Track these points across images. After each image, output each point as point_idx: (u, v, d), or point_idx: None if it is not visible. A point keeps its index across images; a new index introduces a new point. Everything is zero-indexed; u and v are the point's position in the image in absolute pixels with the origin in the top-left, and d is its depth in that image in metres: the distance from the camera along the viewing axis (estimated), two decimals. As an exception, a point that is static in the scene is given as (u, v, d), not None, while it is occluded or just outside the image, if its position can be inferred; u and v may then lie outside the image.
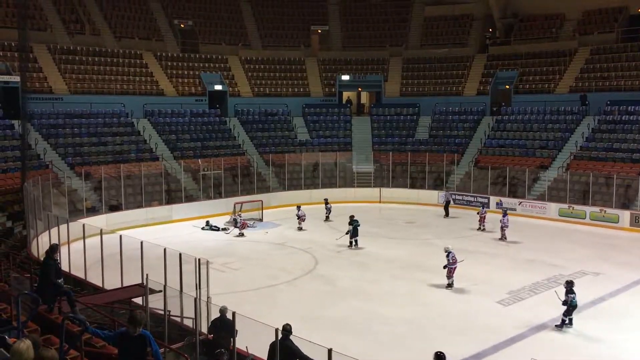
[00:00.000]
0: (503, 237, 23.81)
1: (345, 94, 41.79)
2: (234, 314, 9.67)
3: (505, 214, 24.26)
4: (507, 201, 29.87)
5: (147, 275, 11.83)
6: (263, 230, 25.94)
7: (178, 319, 11.88)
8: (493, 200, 30.35)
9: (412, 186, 33.39)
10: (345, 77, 40.48)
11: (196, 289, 12.10)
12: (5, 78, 29.70)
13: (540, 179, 30.58)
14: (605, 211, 26.78)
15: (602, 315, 15.19)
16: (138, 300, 12.72)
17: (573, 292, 14.04)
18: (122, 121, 32.71)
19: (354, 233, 22.44)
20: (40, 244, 18.79)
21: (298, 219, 25.98)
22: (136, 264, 13.83)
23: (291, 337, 9.14)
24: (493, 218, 25.51)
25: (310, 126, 38.09)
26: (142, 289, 12.19)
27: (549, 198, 29.25)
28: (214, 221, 26.68)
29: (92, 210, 26.08)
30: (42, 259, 12.43)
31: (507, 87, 37.42)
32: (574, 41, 37.15)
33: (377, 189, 33.88)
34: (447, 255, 17.39)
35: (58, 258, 11.17)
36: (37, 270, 12.17)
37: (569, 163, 30.54)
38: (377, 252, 22.01)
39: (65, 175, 26.55)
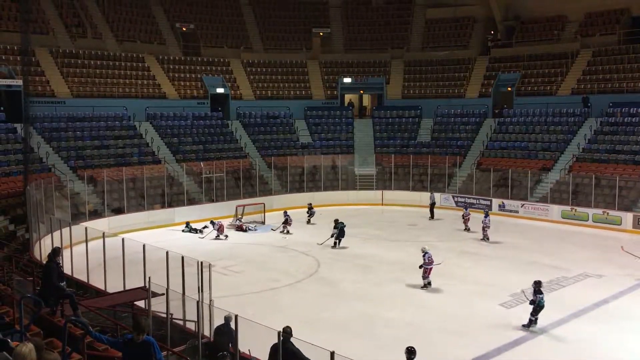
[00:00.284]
0: (485, 238, 24.03)
1: (347, 97, 41.80)
2: (236, 316, 9.66)
3: (486, 215, 24.54)
4: (510, 203, 29.88)
5: (149, 278, 11.84)
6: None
7: (180, 322, 11.87)
8: (495, 202, 30.34)
9: (414, 188, 33.37)
10: (347, 80, 40.50)
11: (198, 292, 12.10)
12: (8, 82, 29.77)
13: (542, 181, 30.54)
14: (607, 213, 26.73)
15: (605, 317, 15.14)
16: (140, 304, 12.72)
17: (541, 292, 14.08)
18: (124, 124, 32.76)
19: (339, 234, 22.94)
20: (43, 247, 18.83)
21: (284, 223, 25.67)
22: (138, 267, 13.83)
23: (293, 340, 9.13)
24: (477, 219, 25.37)
25: (312, 129, 38.12)
26: (145, 292, 12.20)
27: (552, 200, 29.20)
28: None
29: (95, 214, 26.12)
30: (44, 262, 12.45)
31: (509, 89, 37.39)
32: (576, 43, 37.11)
33: (379, 192, 33.88)
34: (424, 256, 17.49)
35: (60, 261, 11.18)
36: (39, 274, 12.18)
37: (571, 165, 30.49)
38: (379, 254, 21.99)
39: (68, 179, 26.60)
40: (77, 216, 24.68)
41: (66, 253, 15.23)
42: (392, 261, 21.00)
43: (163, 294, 11.40)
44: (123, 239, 14.63)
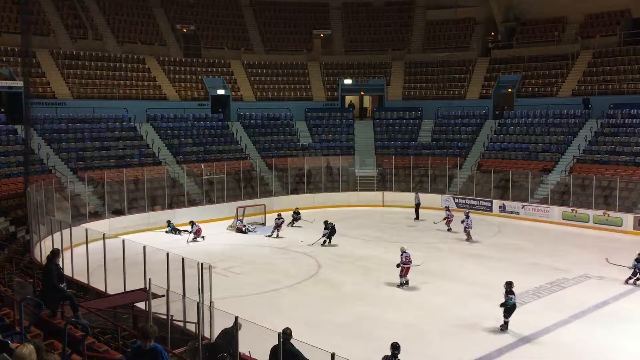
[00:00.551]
0: (469, 238, 24.24)
1: (348, 98, 41.82)
2: (236, 318, 9.65)
3: (467, 216, 24.62)
4: (510, 205, 29.88)
5: (149, 279, 11.82)
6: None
7: (181, 324, 11.87)
8: (496, 203, 30.33)
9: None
10: (348, 81, 40.52)
11: (199, 293, 12.09)
12: (9, 83, 29.80)
13: (543, 182, 30.53)
14: (608, 214, 26.71)
15: (606, 319, 15.13)
16: (141, 305, 12.71)
17: (512, 293, 14.04)
18: (124, 126, 32.78)
19: (330, 233, 23.48)
20: (43, 249, 18.80)
21: (277, 226, 25.39)
22: (139, 268, 13.82)
23: (293, 341, 9.13)
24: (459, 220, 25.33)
25: (313, 130, 38.13)
26: (145, 293, 12.18)
27: (552, 201, 29.18)
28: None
29: (95, 215, 26.13)
30: (45, 263, 12.43)
31: (510, 90, 37.39)
32: (577, 44, 37.11)
33: (379, 193, 33.88)
34: (401, 255, 17.67)
35: (60, 263, 11.17)
36: (40, 275, 12.18)
37: (571, 166, 30.48)
38: (379, 256, 21.96)
39: (68, 180, 26.61)
40: (78, 217, 24.68)
41: (66, 254, 15.24)
42: (392, 263, 20.77)
43: (163, 296, 11.38)
44: (123, 241, 14.62)
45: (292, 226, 27.23)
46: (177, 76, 37.89)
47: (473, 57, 40.84)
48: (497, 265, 20.57)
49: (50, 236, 18.75)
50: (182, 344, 10.84)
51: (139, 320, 12.19)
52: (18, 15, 32.69)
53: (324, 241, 23.53)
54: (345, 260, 21.46)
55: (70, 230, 17.24)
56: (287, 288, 18.09)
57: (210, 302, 11.31)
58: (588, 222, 27.16)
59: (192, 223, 25.04)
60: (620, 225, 26.24)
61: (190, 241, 24.36)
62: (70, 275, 15.16)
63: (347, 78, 40.68)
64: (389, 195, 33.42)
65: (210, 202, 30.10)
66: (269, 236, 25.27)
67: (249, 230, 26.42)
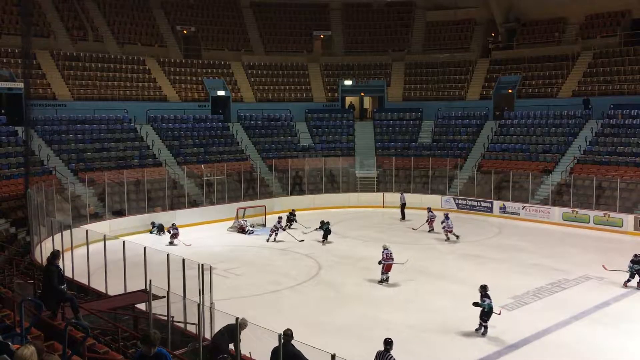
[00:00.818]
0: (448, 238, 24.56)
1: (348, 99, 41.82)
2: (237, 319, 9.65)
3: (447, 217, 24.94)
4: (511, 205, 29.87)
5: (150, 281, 11.82)
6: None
7: (181, 325, 11.87)
8: (496, 204, 30.33)
9: (415, 191, 33.33)
10: (348, 82, 40.53)
11: (199, 294, 12.09)
12: (9, 84, 29.81)
13: (543, 183, 30.52)
14: (609, 215, 26.70)
15: (606, 319, 15.12)
16: (141, 306, 12.71)
17: (488, 297, 14.04)
18: (125, 127, 32.78)
19: (325, 233, 24.22)
20: (44, 250, 18.80)
21: (274, 231, 24.97)
22: (139, 269, 13.82)
23: (294, 343, 9.12)
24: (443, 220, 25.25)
25: (313, 131, 38.13)
26: (146, 294, 12.18)
27: (553, 202, 29.17)
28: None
29: (96, 216, 26.13)
30: (45, 265, 12.43)
31: (510, 91, 37.40)
32: (577, 45, 37.11)
33: (380, 194, 33.87)
34: (382, 252, 18.24)
35: (61, 264, 11.17)
36: (40, 276, 12.18)
37: (572, 167, 30.48)
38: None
39: (69, 181, 26.61)
40: (78, 219, 24.67)
41: (67, 256, 15.23)
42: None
43: (164, 297, 11.39)
44: (124, 242, 14.64)
45: (288, 228, 26.66)
46: (177, 77, 37.90)
47: (473, 58, 40.85)
48: (497, 266, 20.57)
49: (51, 237, 18.76)
50: (183, 345, 10.84)
51: (139, 321, 12.20)
52: (18, 17, 32.73)
53: (322, 240, 24.14)
54: (346, 262, 21.47)
55: (71, 231, 17.24)
56: (287, 289, 18.09)
57: (211, 303, 11.31)
58: (588, 222, 27.14)
59: (172, 225, 24.70)
60: (621, 226, 26.23)
61: (167, 244, 23.68)
62: (70, 276, 15.17)
63: (347, 79, 40.69)
64: (390, 197, 33.37)
65: (211, 203, 30.09)
66: (267, 240, 25.09)
67: (249, 231, 26.37)
